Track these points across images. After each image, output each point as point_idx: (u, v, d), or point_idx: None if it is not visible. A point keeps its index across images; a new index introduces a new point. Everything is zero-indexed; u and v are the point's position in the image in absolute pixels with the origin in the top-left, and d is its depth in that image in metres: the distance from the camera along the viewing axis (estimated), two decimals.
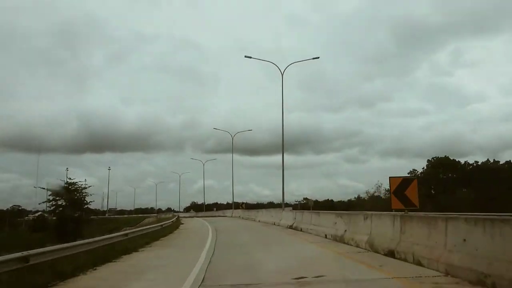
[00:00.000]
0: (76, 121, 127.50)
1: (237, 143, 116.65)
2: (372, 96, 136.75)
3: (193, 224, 34.14)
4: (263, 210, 38.48)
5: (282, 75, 28.92)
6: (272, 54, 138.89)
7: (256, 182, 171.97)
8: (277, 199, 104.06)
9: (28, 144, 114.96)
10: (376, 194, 61.30)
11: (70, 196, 27.21)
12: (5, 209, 74.62)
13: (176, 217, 45.95)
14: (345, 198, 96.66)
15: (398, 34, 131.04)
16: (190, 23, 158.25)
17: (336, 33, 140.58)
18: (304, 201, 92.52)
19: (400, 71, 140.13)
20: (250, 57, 30.40)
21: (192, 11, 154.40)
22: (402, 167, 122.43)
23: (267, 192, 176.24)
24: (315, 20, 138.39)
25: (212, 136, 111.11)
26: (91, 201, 29.03)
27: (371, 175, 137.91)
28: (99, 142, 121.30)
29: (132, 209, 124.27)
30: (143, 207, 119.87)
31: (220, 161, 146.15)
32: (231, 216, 49.90)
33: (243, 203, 52.86)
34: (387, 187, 64.45)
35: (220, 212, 64.98)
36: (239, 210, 49.20)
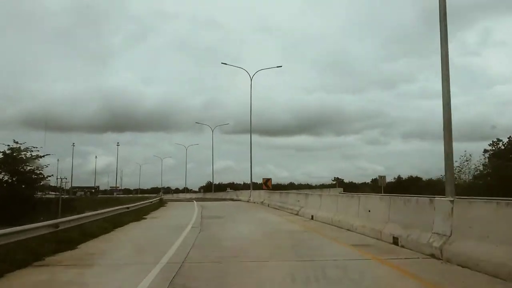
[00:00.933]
0: (97, 101, 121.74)
1: (256, 124, 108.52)
2: (394, 77, 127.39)
3: (159, 221, 15.36)
4: (316, 193, 19.75)
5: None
6: (293, 34, 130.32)
7: (274, 163, 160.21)
8: (296, 181, 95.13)
9: (50, 124, 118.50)
10: (464, 171, 41.53)
11: (11, 167, 19.97)
12: None
13: (158, 200, 28.09)
14: (364, 180, 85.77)
15: (424, 11, 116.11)
16: (212, 1, 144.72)
17: (358, 12, 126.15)
18: (334, 182, 75.97)
19: (424, 51, 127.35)
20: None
21: None
22: (425, 149, 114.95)
23: (285, 174, 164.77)
24: None
25: (232, 117, 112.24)
26: (49, 176, 23.35)
27: (392, 157, 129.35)
28: (119, 121, 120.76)
29: (147, 188, 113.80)
30: (159, 187, 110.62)
31: (239, 142, 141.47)
32: (248, 201, 31.34)
33: (268, 179, 33.63)
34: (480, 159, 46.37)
35: (233, 194, 46.55)
36: (261, 192, 30.47)
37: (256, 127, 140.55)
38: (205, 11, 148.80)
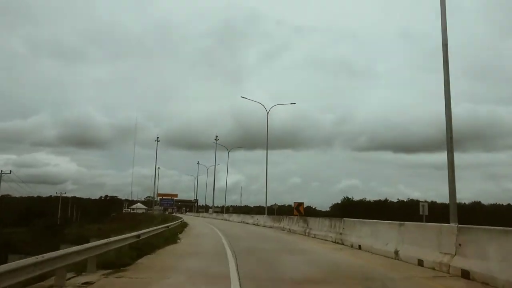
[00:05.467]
0: (230, 119, 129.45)
1: (391, 139, 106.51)
2: None
3: None
4: None
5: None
6: (431, 40, 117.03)
7: (405, 183, 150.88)
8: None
9: (188, 142, 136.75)
10: None
11: None
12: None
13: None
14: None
15: None
16: (348, 12, 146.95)
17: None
18: None
19: None
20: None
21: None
22: None
23: (417, 194, 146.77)
24: None
25: (365, 133, 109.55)
26: None
27: None
28: (250, 139, 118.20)
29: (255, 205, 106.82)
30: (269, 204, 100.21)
31: (369, 159, 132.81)
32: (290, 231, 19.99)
33: (300, 204, 27.76)
34: None
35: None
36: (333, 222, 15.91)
37: (390, 143, 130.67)
38: (340, 23, 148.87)
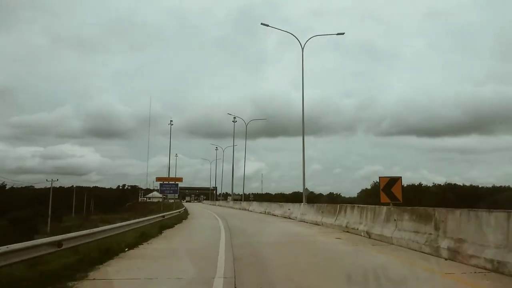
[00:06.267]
0: (251, 107, 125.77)
1: (415, 123, 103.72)
2: None
3: None
4: None
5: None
6: (458, 21, 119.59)
7: (430, 168, 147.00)
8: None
9: (209, 131, 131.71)
10: None
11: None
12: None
13: None
14: None
15: None
16: None
17: None
18: None
19: None
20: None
21: None
22: None
23: (440, 179, 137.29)
24: None
25: (387, 117, 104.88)
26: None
27: None
28: (272, 127, 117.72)
29: (287, 192, 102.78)
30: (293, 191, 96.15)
31: (392, 144, 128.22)
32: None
33: (397, 179, 11.66)
34: None
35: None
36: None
37: (414, 127, 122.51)
38: (362, 5, 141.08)
